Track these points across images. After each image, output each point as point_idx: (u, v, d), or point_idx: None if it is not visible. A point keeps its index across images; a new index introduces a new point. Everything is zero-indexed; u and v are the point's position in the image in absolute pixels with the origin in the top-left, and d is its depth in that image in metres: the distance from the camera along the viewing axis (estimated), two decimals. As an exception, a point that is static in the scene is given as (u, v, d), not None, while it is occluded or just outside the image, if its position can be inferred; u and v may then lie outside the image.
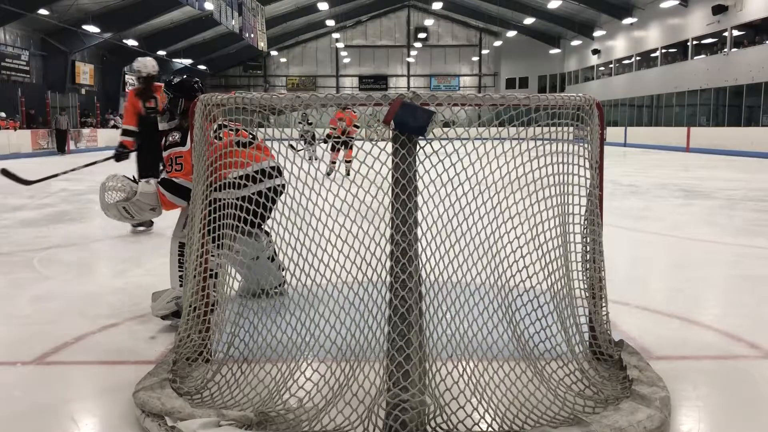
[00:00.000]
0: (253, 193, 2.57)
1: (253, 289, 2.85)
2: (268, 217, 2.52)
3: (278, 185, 2.84)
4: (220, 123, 2.70)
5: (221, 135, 2.80)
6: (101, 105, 30.79)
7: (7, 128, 21.51)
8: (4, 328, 3.11)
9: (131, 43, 30.32)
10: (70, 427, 2.09)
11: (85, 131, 26.55)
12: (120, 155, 5.54)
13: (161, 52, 34.14)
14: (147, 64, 5.77)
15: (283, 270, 3.10)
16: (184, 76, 3.42)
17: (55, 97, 26.79)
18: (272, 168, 2.90)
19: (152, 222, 5.84)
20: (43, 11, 23.84)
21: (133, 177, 3.21)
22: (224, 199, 2.39)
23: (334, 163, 8.70)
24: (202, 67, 40.73)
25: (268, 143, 3.01)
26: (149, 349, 2.76)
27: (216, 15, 27.79)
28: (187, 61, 37.86)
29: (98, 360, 2.67)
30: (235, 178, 2.61)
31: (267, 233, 3.20)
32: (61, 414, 2.17)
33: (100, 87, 31.85)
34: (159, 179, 3.11)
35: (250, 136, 3.06)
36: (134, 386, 2.17)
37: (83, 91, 29.90)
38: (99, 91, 31.51)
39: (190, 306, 2.44)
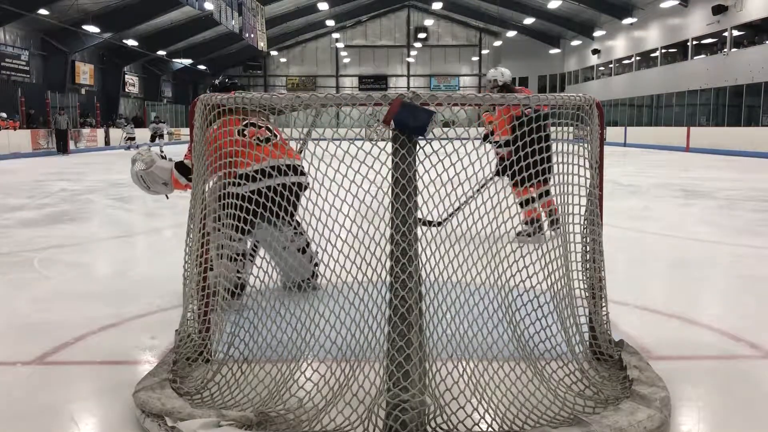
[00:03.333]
0: (268, 187, 2.57)
1: (284, 281, 2.90)
2: (281, 213, 2.48)
3: (292, 183, 2.83)
4: (249, 122, 2.98)
5: (246, 132, 3.02)
6: (101, 105, 30.79)
7: (7, 128, 21.51)
8: (4, 328, 3.11)
9: (131, 43, 30.32)
10: (70, 427, 2.09)
11: (85, 131, 26.55)
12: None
13: (161, 52, 34.16)
14: (504, 73, 6.01)
15: (316, 265, 3.17)
16: (225, 79, 3.60)
17: (55, 97, 26.80)
18: (287, 166, 2.99)
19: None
20: (43, 11, 23.85)
21: (162, 155, 3.56)
22: (238, 192, 2.46)
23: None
24: (202, 67, 40.72)
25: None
26: (149, 349, 2.77)
27: (216, 15, 27.81)
28: (187, 61, 37.85)
29: (98, 360, 2.67)
30: (252, 171, 2.83)
31: (297, 224, 3.20)
32: (61, 414, 2.17)
33: (100, 87, 31.86)
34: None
35: (268, 133, 3.18)
36: (134, 386, 2.17)
37: (83, 91, 29.91)
38: (99, 91, 31.51)
39: (190, 305, 2.44)
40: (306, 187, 2.80)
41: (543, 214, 4.85)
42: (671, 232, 5.90)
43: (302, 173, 3.12)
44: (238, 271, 2.79)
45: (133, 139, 26.41)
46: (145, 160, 3.38)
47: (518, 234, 4.31)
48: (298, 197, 2.65)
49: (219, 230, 2.59)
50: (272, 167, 3.01)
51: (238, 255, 2.74)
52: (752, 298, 3.62)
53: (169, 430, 1.92)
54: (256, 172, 2.88)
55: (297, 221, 2.67)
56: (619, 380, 2.25)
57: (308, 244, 3.31)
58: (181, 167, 3.34)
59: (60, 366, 2.61)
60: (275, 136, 3.23)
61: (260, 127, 3.15)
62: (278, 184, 2.47)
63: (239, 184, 2.68)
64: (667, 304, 3.42)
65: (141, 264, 4.72)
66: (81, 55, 29.51)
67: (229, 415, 1.92)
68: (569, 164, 2.26)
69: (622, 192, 9.12)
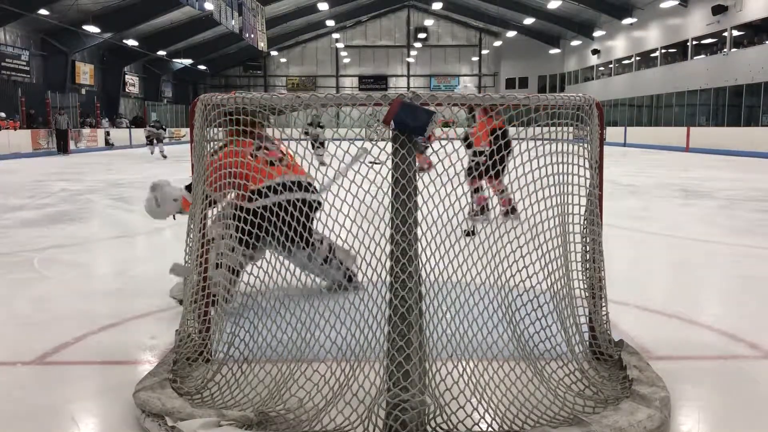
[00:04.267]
0: (279, 203, 2.58)
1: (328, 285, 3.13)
2: (295, 237, 2.40)
3: (297, 199, 2.85)
4: (260, 145, 3.08)
5: (257, 154, 3.09)
6: (101, 105, 30.79)
7: (7, 128, 21.51)
8: (4, 328, 3.11)
9: (131, 43, 30.33)
10: (70, 427, 2.09)
11: (85, 131, 26.55)
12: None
13: (161, 52, 34.16)
14: (474, 91, 6.79)
15: (348, 268, 3.31)
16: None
17: (55, 97, 26.80)
18: (294, 182, 3.08)
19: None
20: (43, 11, 23.85)
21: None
22: (253, 207, 2.47)
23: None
24: (202, 67, 40.73)
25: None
26: (149, 349, 2.77)
27: (216, 15, 27.81)
28: (187, 61, 37.86)
29: (98, 360, 2.67)
30: (264, 188, 2.87)
31: (312, 244, 3.15)
32: (61, 414, 2.17)
33: (100, 87, 31.86)
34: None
35: (280, 154, 3.25)
36: (134, 386, 2.17)
37: (83, 91, 29.91)
38: (99, 91, 31.51)
39: (191, 305, 2.44)
40: (318, 206, 2.95)
41: (490, 201, 5.85)
42: (671, 232, 5.90)
43: (314, 190, 3.17)
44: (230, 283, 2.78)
45: (107, 133, 27.22)
46: (161, 181, 3.47)
47: (472, 215, 5.38)
48: (308, 217, 2.67)
49: (223, 238, 2.66)
50: (282, 183, 3.04)
51: (234, 268, 2.76)
52: (752, 298, 3.62)
53: (169, 429, 1.92)
54: (268, 188, 2.91)
55: (308, 239, 2.60)
56: (619, 380, 2.25)
57: (331, 251, 3.29)
58: (188, 186, 3.35)
59: (60, 366, 2.61)
60: (285, 157, 3.29)
61: (270, 150, 3.22)
62: (288, 200, 2.49)
63: (252, 199, 2.72)
64: (667, 304, 3.42)
65: (141, 264, 4.72)
66: (81, 55, 29.52)
67: (229, 415, 1.92)
68: (569, 164, 2.26)
69: (621, 192, 9.12)
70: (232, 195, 2.81)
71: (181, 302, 3.07)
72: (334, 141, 2.23)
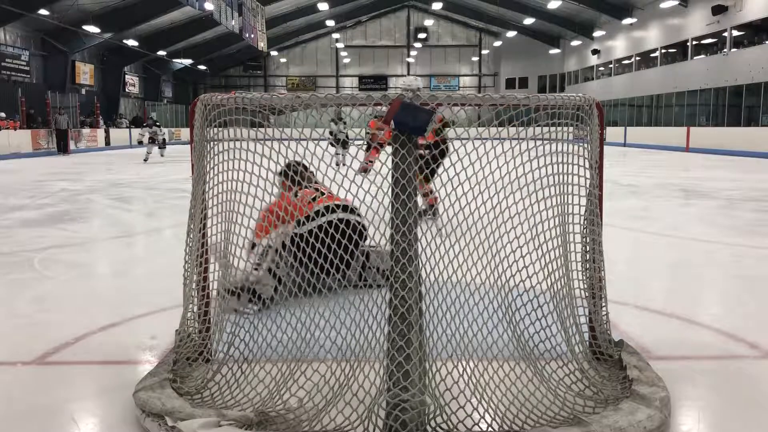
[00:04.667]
0: (319, 226, 2.76)
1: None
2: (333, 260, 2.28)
3: (340, 219, 2.96)
4: (299, 188, 3.31)
5: (299, 194, 3.38)
6: (101, 105, 30.76)
7: (7, 128, 21.50)
8: (4, 328, 3.11)
9: (131, 43, 30.31)
10: (70, 427, 2.09)
11: (85, 131, 26.55)
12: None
13: (161, 52, 34.15)
14: (419, 81, 6.86)
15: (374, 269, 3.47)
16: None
17: (55, 97, 26.78)
18: (336, 206, 3.36)
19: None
20: (43, 11, 23.84)
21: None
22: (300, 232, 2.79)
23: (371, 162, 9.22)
24: (202, 67, 40.71)
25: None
26: (149, 349, 2.77)
27: (216, 15, 27.81)
28: (187, 61, 37.85)
29: (98, 360, 2.67)
30: (311, 213, 3.30)
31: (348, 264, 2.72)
32: (61, 414, 2.17)
33: (100, 87, 31.84)
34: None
35: (318, 193, 3.52)
36: (134, 386, 2.17)
37: (83, 91, 29.90)
38: (99, 91, 31.49)
39: (191, 304, 2.44)
40: (364, 230, 3.18)
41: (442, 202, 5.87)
42: (671, 232, 5.90)
43: (358, 213, 3.27)
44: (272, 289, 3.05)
45: (106, 131, 27.20)
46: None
47: (425, 212, 5.58)
48: (360, 236, 2.77)
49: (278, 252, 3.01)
50: (326, 207, 3.36)
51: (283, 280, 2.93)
52: (752, 298, 3.62)
53: (169, 429, 1.92)
54: (315, 212, 3.32)
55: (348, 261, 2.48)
56: (618, 380, 2.25)
57: (365, 260, 3.43)
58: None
59: (60, 366, 2.61)
60: (323, 194, 3.51)
61: (310, 188, 3.48)
62: (330, 222, 2.59)
63: (302, 223, 3.16)
64: (667, 304, 3.42)
65: (141, 264, 4.72)
66: (81, 55, 29.49)
67: (229, 415, 1.92)
68: (569, 164, 2.26)
69: (621, 192, 9.12)
70: (290, 228, 3.15)
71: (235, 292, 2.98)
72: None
